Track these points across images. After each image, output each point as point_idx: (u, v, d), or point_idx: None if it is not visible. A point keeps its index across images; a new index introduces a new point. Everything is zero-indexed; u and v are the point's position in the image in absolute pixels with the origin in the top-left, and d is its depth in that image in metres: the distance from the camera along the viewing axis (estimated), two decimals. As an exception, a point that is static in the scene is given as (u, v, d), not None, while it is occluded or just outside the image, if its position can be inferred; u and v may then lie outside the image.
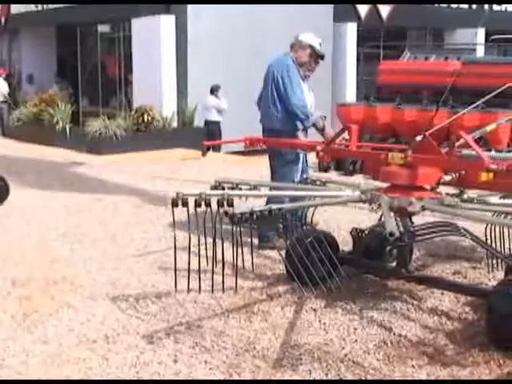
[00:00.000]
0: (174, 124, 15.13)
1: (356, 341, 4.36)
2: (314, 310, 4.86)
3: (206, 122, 15.06)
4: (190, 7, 15.15)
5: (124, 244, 6.60)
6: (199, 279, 4.61)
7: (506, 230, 5.39)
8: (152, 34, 15.34)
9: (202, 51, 15.17)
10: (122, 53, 17.32)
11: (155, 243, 6.57)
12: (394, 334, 4.47)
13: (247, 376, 3.88)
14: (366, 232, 5.39)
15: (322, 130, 6.48)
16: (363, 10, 18.80)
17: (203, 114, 15.08)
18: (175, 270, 4.58)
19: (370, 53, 19.31)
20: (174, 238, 4.45)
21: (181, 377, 3.88)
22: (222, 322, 4.63)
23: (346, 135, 5.93)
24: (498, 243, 5.32)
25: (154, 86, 15.22)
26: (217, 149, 14.63)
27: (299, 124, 6.44)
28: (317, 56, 6.65)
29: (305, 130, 6.53)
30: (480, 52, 17.21)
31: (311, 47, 6.55)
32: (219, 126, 14.99)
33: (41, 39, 20.05)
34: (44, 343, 4.32)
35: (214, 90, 14.90)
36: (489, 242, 5.21)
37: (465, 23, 19.91)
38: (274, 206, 4.29)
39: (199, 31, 15.12)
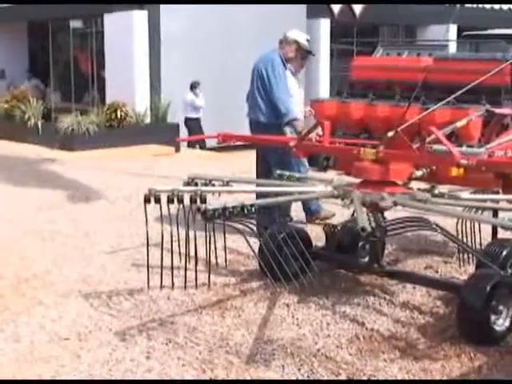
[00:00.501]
0: (147, 120, 15.04)
1: (329, 336, 4.39)
2: (287, 305, 4.87)
3: (185, 119, 15.05)
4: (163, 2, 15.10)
5: (96, 241, 6.56)
6: (172, 276, 4.62)
7: (476, 225, 5.44)
8: (124, 30, 15.23)
9: (175, 47, 15.10)
10: (94, 48, 17.17)
11: (128, 240, 6.54)
12: (367, 328, 4.50)
13: (220, 372, 3.88)
14: (339, 227, 5.42)
15: (297, 133, 6.52)
16: (336, 6, 18.85)
17: (183, 110, 15.08)
18: (148, 266, 4.58)
19: (343, 49, 19.35)
20: (147, 235, 4.45)
21: (153, 373, 3.87)
22: (195, 319, 4.63)
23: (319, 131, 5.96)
24: (469, 238, 5.37)
25: (127, 82, 15.12)
26: (203, 145, 14.58)
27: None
28: (303, 51, 6.89)
29: (288, 123, 6.59)
30: (452, 48, 17.33)
31: (297, 43, 6.79)
32: (199, 123, 14.95)
33: (12, 35, 19.81)
34: (15, 341, 4.29)
35: (192, 87, 14.88)
36: (460, 236, 5.26)
37: (437, 20, 20.03)
38: (247, 202, 4.28)
39: (172, 27, 15.04)
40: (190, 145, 14.94)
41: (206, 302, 4.92)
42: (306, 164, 6.90)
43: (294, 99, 7.02)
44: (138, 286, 5.17)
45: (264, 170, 6.69)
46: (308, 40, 6.94)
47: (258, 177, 6.81)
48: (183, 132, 14.71)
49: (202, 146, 14.76)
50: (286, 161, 6.48)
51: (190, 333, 4.39)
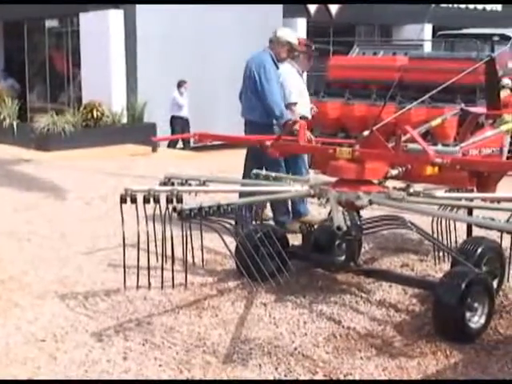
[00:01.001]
0: (124, 120, 14.99)
1: (306, 334, 4.40)
2: (264, 304, 4.88)
3: (171, 118, 15.04)
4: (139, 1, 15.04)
5: (73, 241, 6.53)
6: (148, 276, 4.61)
7: (452, 223, 5.48)
8: (100, 29, 15.16)
9: (151, 46, 15.05)
10: (70, 48, 17.05)
11: (104, 240, 6.51)
12: (343, 326, 4.52)
13: (197, 372, 3.88)
14: (315, 226, 5.44)
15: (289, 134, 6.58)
16: (312, 6, 18.90)
17: (169, 109, 15.08)
18: (124, 266, 4.57)
19: (319, 48, 19.40)
20: (123, 235, 4.44)
21: (130, 374, 3.86)
22: (172, 318, 4.62)
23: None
24: (445, 236, 5.41)
25: (103, 82, 15.05)
26: (187, 145, 14.51)
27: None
28: (309, 49, 7.12)
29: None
30: (427, 48, 17.45)
31: (289, 44, 6.77)
32: (184, 122, 14.90)
33: (-13, 34, 19.68)
34: (-9, 343, 4.25)
35: (178, 86, 14.86)
36: (435, 235, 5.30)
37: (412, 19, 20.16)
38: (223, 202, 4.29)
39: (149, 26, 14.99)
40: (171, 144, 14.89)
41: (183, 301, 4.92)
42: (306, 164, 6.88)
43: (304, 100, 7.19)
44: (114, 287, 5.15)
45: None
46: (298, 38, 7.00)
47: (245, 176, 6.74)
48: (165, 131, 14.60)
49: (185, 146, 14.69)
50: (292, 160, 6.62)
51: (167, 333, 4.38)
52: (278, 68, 6.79)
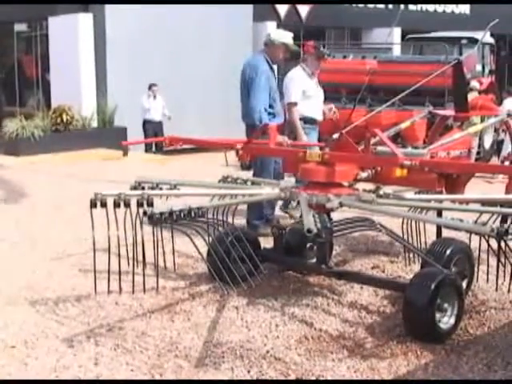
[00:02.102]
0: (94, 124, 14.90)
1: (278, 337, 4.41)
2: (237, 307, 4.88)
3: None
4: (108, 6, 14.96)
5: (43, 247, 6.47)
6: (119, 280, 4.59)
7: (421, 225, 5.53)
8: (69, 33, 15.08)
9: (121, 50, 15.00)
10: (39, 52, 16.94)
11: (75, 245, 6.46)
12: (315, 328, 4.54)
13: (170, 376, 3.87)
14: (287, 229, 5.45)
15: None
16: (282, 9, 18.94)
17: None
18: (95, 271, 4.54)
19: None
20: (93, 240, 4.41)
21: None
22: (144, 323, 4.60)
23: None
24: (414, 237, 5.46)
25: (73, 86, 14.96)
26: (160, 148, 14.43)
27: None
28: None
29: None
30: (397, 51, 17.60)
31: (284, 45, 6.89)
32: (153, 125, 14.82)
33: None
34: (-40, 350, 4.20)
35: (148, 89, 14.81)
36: (405, 236, 5.34)
37: (381, 23, 20.29)
38: (194, 206, 4.28)
39: (118, 30, 14.93)
40: (148, 148, 14.82)
41: (155, 306, 4.90)
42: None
43: (311, 102, 7.25)
44: (85, 292, 5.12)
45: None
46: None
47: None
48: (136, 135, 14.50)
49: (159, 150, 14.59)
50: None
51: (139, 338, 4.37)
52: (272, 70, 6.92)
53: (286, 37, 6.93)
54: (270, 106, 6.78)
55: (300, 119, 7.19)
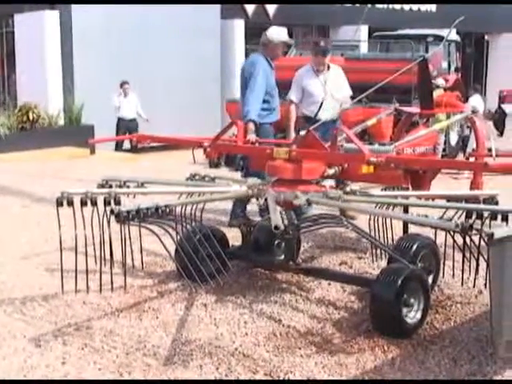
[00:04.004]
0: (61, 122, 14.78)
1: (246, 334, 4.42)
2: (205, 305, 4.88)
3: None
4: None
5: (9, 246, 6.42)
6: (87, 279, 4.57)
7: (388, 221, 5.57)
8: (36, 31, 14.92)
9: (88, 48, 14.87)
10: (4, 49, 16.75)
11: (42, 244, 6.42)
12: (283, 325, 4.56)
13: (138, 375, 3.86)
14: (255, 226, 5.46)
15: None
16: (250, 7, 18.96)
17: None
18: (62, 270, 4.52)
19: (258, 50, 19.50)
20: (60, 239, 4.38)
21: (69, 378, 3.82)
22: (112, 322, 4.59)
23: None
24: (382, 233, 5.49)
25: (39, 84, 14.82)
26: (134, 146, 14.31)
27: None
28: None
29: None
30: (364, 48, 17.68)
31: (283, 43, 7.08)
32: (125, 123, 14.70)
33: None
34: None
35: (120, 87, 14.72)
36: (373, 232, 5.38)
37: (349, 20, 20.40)
38: (161, 204, 4.28)
39: (85, 27, 14.81)
40: (118, 146, 14.73)
41: (123, 304, 4.89)
42: None
43: (312, 100, 7.31)
44: (52, 291, 5.08)
45: None
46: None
47: None
48: (104, 133, 14.38)
49: (132, 148, 14.48)
50: None
51: (107, 336, 4.35)
52: (272, 67, 7.00)
53: (284, 34, 7.06)
54: (267, 102, 6.89)
55: (302, 117, 7.33)
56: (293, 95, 7.36)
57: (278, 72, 7.60)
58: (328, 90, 7.33)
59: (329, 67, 7.41)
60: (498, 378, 3.85)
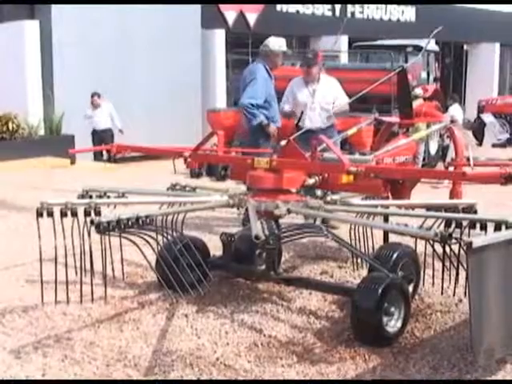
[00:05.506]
0: (41, 132, 14.71)
1: (228, 344, 4.41)
2: (186, 315, 4.87)
3: None
4: (55, 12, 14.79)
5: (-12, 257, 6.37)
6: (67, 290, 4.55)
7: (369, 230, 5.59)
8: (16, 40, 14.88)
9: (69, 57, 14.84)
10: (-16, 59, 16.68)
11: (22, 255, 6.36)
12: (265, 335, 4.56)
13: (118, 386, 3.85)
14: (236, 236, 5.46)
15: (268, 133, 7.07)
16: (231, 16, 19.01)
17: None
18: (42, 281, 4.50)
19: (238, 59, 19.52)
20: (40, 249, 4.36)
21: (49, 391, 3.80)
22: (93, 333, 4.56)
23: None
24: (362, 243, 5.52)
25: (19, 93, 14.75)
26: (112, 156, 14.24)
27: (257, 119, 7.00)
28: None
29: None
30: (344, 59, 17.79)
31: (283, 52, 7.23)
32: (100, 134, 14.68)
33: None
34: None
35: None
36: (354, 241, 5.40)
37: (329, 30, 20.51)
38: (142, 214, 4.27)
39: (65, 37, 14.78)
40: (97, 157, 14.68)
41: (104, 315, 4.86)
42: None
43: (299, 109, 7.46)
44: (32, 303, 5.04)
45: None
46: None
47: None
48: (84, 143, 14.32)
49: (110, 158, 14.42)
50: None
51: (87, 348, 4.33)
52: (271, 77, 7.12)
53: (284, 44, 7.22)
54: (265, 109, 7.03)
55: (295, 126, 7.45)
56: (285, 104, 7.56)
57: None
58: (316, 100, 7.41)
59: (319, 78, 7.52)
60: (499, 377, 3.89)
